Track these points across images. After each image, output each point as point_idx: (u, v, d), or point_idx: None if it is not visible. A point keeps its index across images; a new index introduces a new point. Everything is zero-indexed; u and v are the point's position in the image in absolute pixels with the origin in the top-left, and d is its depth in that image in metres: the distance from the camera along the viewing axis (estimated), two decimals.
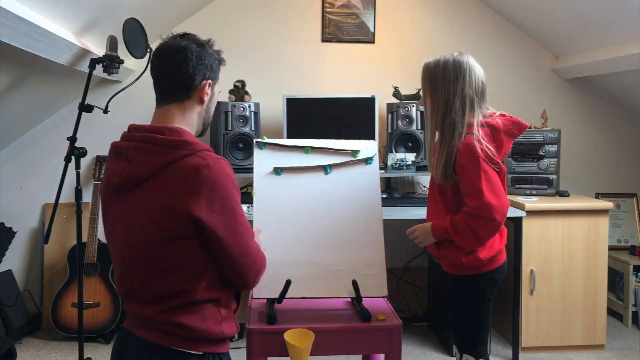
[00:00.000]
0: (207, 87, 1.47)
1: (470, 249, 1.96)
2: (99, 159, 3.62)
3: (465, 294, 2.07)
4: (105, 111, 2.78)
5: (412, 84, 3.75)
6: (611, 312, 3.76)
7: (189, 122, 1.47)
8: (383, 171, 3.41)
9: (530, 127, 3.59)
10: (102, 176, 3.58)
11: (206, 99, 1.49)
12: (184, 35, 1.48)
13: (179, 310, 1.37)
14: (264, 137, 2.22)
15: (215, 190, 1.34)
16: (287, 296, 1.99)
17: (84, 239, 3.38)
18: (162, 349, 1.37)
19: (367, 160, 2.21)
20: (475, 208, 1.87)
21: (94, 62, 2.64)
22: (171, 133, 1.38)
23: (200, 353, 1.40)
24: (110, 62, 2.67)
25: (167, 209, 1.33)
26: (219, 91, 1.56)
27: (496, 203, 1.86)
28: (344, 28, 3.85)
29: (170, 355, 1.37)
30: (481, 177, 1.86)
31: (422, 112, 3.50)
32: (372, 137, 3.47)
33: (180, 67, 1.43)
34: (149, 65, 1.51)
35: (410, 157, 3.44)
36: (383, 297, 2.08)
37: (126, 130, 1.48)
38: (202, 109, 1.50)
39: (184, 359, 1.38)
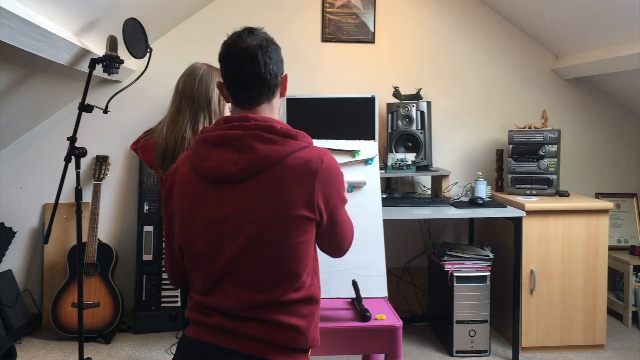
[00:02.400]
0: (286, 81, 1.48)
1: None
2: (99, 159, 3.62)
3: None
4: (105, 111, 2.78)
5: (412, 84, 3.76)
6: (611, 312, 3.76)
7: (276, 118, 1.46)
8: (383, 171, 3.41)
9: (530, 127, 3.60)
10: (101, 175, 3.57)
11: (284, 91, 1.49)
12: (254, 32, 1.42)
13: (287, 307, 1.33)
14: None
15: (335, 176, 1.39)
16: None
17: (84, 239, 3.38)
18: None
19: (367, 161, 2.21)
20: None
21: (94, 62, 2.64)
22: (281, 124, 1.38)
23: None
24: (110, 62, 2.67)
25: (296, 196, 1.31)
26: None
27: None
28: (344, 28, 3.85)
29: None
30: None
31: (422, 112, 3.50)
32: (372, 137, 3.47)
33: (268, 67, 1.40)
34: (226, 67, 1.43)
35: (410, 157, 3.44)
36: (383, 297, 2.08)
37: (223, 123, 1.40)
38: (281, 102, 1.51)
39: None
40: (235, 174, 1.32)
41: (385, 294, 2.06)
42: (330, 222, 1.41)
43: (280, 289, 1.32)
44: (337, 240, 1.48)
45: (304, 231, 1.34)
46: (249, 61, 1.39)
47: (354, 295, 2.03)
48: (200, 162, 1.36)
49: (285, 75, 1.47)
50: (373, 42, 3.88)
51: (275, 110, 1.47)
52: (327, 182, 1.36)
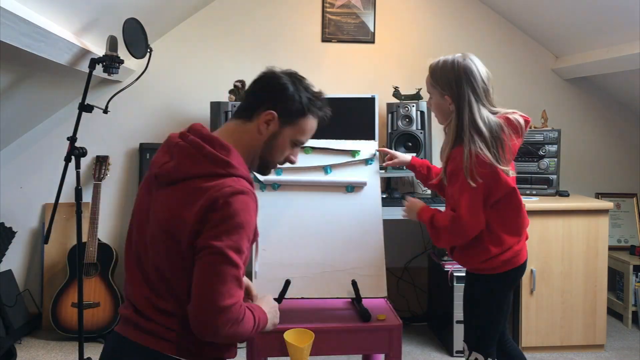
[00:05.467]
0: (268, 117, 1.42)
1: (435, 244, 2.04)
2: (99, 159, 3.62)
3: (478, 292, 2.08)
4: (105, 111, 2.78)
5: (412, 84, 3.75)
6: (611, 312, 3.76)
7: (247, 146, 1.42)
8: (383, 171, 3.40)
9: (530, 127, 3.60)
10: (101, 175, 3.58)
11: (264, 131, 1.42)
12: (290, 73, 1.50)
13: (176, 320, 1.34)
14: None
15: (228, 224, 1.28)
16: (287, 296, 2.00)
17: (84, 239, 3.38)
18: (155, 353, 1.34)
19: (367, 161, 2.21)
20: (450, 219, 1.91)
21: (94, 62, 2.64)
22: (220, 148, 1.35)
23: None
24: (110, 62, 2.67)
25: (182, 215, 1.30)
26: (291, 139, 1.47)
27: (469, 221, 1.89)
28: (344, 28, 3.85)
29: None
30: (462, 190, 1.88)
31: (422, 112, 3.50)
32: (372, 137, 3.47)
33: (255, 85, 1.46)
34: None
35: None
36: (383, 297, 2.08)
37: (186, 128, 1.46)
38: (259, 142, 1.43)
39: None
40: (156, 176, 1.37)
41: (385, 294, 2.06)
42: (198, 262, 1.28)
43: (170, 298, 1.34)
44: (199, 291, 1.27)
45: (187, 257, 1.30)
46: (257, 80, 1.49)
47: (354, 295, 2.03)
48: (153, 158, 1.43)
49: (271, 114, 1.41)
50: (373, 42, 3.88)
51: (247, 137, 1.43)
52: (216, 223, 1.27)
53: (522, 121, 2.01)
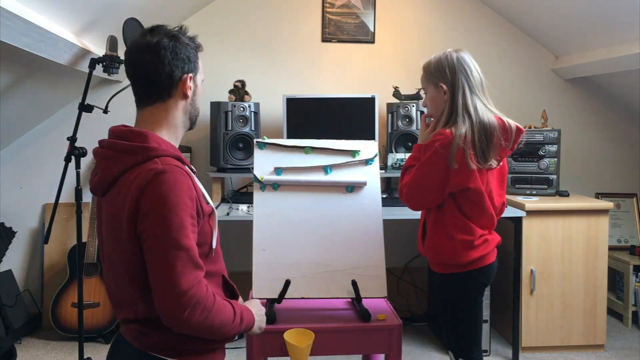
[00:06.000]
0: (188, 81, 1.40)
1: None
2: None
3: (452, 294, 2.04)
4: (105, 111, 2.78)
5: (412, 84, 3.75)
6: (611, 312, 3.76)
7: (173, 121, 1.41)
8: (383, 171, 3.41)
9: (530, 127, 3.60)
10: None
11: (189, 93, 1.41)
12: (154, 30, 1.39)
13: (151, 323, 1.32)
14: (265, 137, 2.23)
15: (160, 201, 1.24)
16: (287, 296, 2.00)
17: (84, 239, 3.38)
18: (146, 355, 1.33)
19: (368, 161, 2.21)
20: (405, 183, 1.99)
21: (94, 62, 2.65)
22: (135, 137, 1.32)
23: None
24: (110, 62, 2.67)
25: (119, 216, 1.28)
26: (202, 80, 1.49)
27: (407, 193, 1.96)
28: (344, 28, 3.85)
29: None
30: (422, 165, 1.92)
31: (422, 112, 3.50)
32: (372, 137, 3.47)
33: (156, 66, 1.35)
34: (125, 68, 1.43)
35: None
36: (383, 297, 2.08)
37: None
38: (187, 104, 1.43)
39: None
40: (92, 191, 1.39)
41: (385, 294, 2.06)
42: (145, 254, 1.26)
43: (138, 312, 1.32)
44: (154, 282, 1.25)
45: (134, 255, 1.28)
46: (137, 59, 1.38)
47: (354, 295, 2.03)
48: None
49: (187, 76, 1.39)
50: (373, 42, 3.88)
51: (172, 112, 1.40)
52: (149, 210, 1.24)
53: (513, 126, 1.96)
